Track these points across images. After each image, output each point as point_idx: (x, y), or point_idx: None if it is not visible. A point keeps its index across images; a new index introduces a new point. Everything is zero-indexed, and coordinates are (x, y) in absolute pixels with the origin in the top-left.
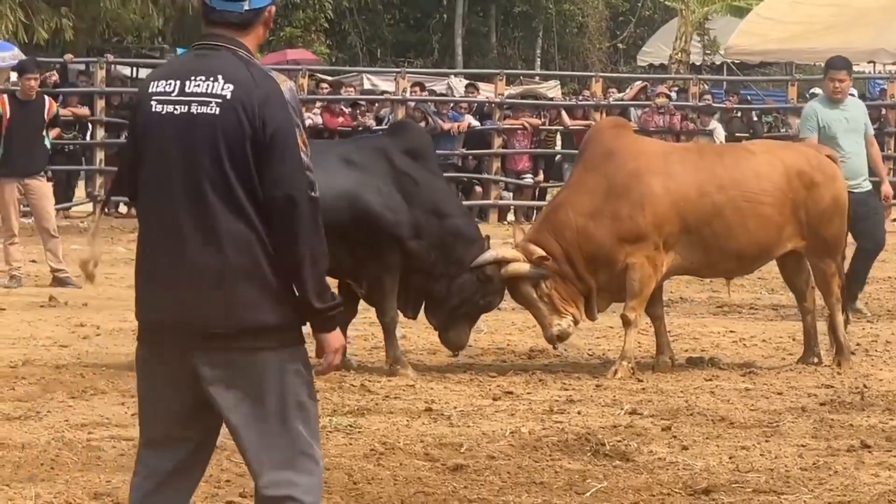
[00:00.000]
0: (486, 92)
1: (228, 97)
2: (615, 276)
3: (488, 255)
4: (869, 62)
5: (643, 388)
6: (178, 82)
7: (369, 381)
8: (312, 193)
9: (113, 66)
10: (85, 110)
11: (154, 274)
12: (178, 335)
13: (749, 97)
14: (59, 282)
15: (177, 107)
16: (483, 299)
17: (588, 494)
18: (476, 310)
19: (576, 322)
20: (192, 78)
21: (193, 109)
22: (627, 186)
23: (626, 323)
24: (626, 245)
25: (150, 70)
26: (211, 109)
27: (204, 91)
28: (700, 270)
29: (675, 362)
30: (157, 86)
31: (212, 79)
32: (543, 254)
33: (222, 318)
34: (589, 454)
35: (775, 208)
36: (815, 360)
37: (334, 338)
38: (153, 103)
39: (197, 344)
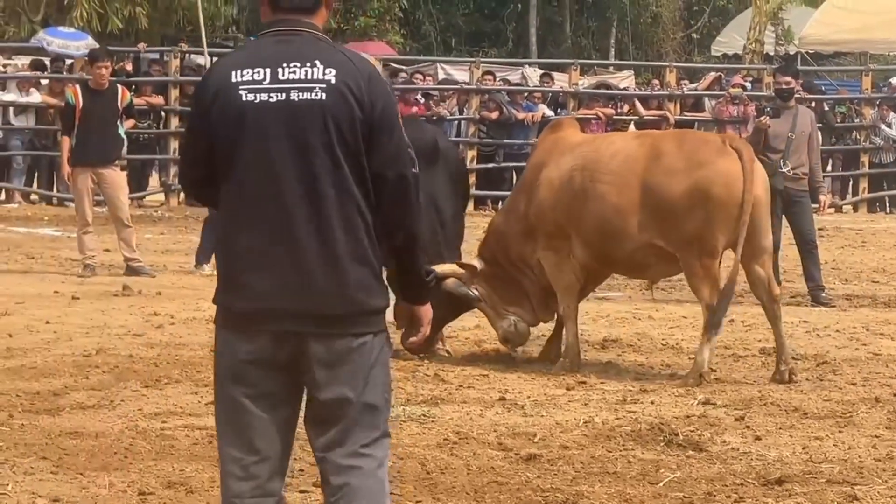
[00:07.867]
0: (560, 82)
1: (333, 81)
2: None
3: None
4: None
5: (716, 378)
6: (268, 70)
7: (443, 370)
8: (414, 170)
9: (187, 55)
10: (159, 99)
11: (261, 262)
12: (281, 322)
13: (823, 87)
14: (132, 271)
15: (272, 94)
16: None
17: (661, 484)
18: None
19: (528, 322)
20: (285, 65)
21: (294, 96)
22: (530, 182)
23: (560, 318)
24: (530, 242)
25: None
26: (316, 95)
27: (303, 77)
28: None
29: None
30: (242, 74)
31: (308, 64)
32: (468, 266)
33: (340, 302)
34: (662, 444)
35: (615, 188)
36: (784, 368)
37: (429, 310)
38: (241, 93)
39: (307, 329)
